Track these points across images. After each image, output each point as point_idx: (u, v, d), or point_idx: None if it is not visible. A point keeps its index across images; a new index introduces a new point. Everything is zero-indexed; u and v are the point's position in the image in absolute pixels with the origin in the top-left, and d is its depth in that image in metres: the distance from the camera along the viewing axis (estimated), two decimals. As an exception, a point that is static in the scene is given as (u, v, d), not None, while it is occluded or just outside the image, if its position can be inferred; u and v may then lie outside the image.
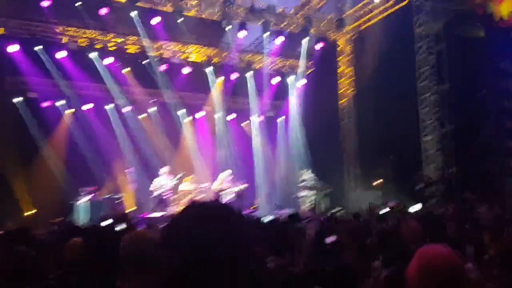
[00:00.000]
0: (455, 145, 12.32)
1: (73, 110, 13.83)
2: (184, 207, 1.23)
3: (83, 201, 11.46)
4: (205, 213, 1.19)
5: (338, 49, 16.17)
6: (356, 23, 15.38)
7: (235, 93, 15.91)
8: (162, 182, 12.31)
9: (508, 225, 4.95)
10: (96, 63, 13.43)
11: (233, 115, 16.31)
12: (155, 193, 12.20)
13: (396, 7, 13.80)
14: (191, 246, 1.11)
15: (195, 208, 1.21)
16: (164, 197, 12.21)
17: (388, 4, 13.98)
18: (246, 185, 13.28)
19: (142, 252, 2.11)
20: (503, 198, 11.29)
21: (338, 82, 16.14)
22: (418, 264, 1.83)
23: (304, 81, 15.81)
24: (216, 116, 15.80)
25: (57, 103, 13.70)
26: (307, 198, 13.33)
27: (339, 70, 16.17)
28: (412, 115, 12.98)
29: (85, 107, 13.91)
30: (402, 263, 2.02)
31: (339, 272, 2.70)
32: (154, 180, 12.36)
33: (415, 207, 11.03)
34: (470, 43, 12.87)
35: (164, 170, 12.55)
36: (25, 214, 12.27)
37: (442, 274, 1.75)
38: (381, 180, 13.49)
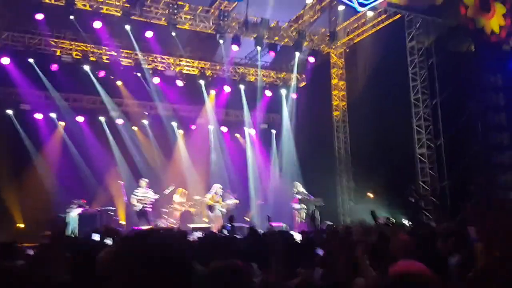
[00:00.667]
0: (447, 158, 12.39)
1: (65, 123, 13.81)
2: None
3: (74, 213, 11.36)
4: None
5: (331, 62, 16.30)
6: (349, 37, 15.54)
7: (228, 106, 15.98)
8: (141, 195, 12.00)
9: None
10: (89, 75, 13.45)
11: (226, 128, 16.35)
12: (136, 207, 11.92)
13: (388, 21, 13.96)
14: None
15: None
16: (146, 210, 11.92)
17: (380, 18, 14.14)
18: (237, 201, 13.26)
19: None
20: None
21: (332, 95, 16.23)
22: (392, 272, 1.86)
23: (298, 94, 15.91)
24: (209, 128, 15.83)
25: (50, 115, 13.69)
26: (300, 210, 13.31)
27: (332, 83, 16.27)
28: (405, 128, 13.06)
29: (78, 119, 13.90)
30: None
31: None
32: (133, 192, 12.06)
33: (407, 220, 11.09)
34: (461, 57, 13.03)
35: (143, 182, 12.24)
36: (17, 226, 12.17)
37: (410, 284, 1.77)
38: (373, 193, 13.52)
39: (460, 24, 13.03)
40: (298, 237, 6.45)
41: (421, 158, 12.78)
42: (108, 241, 4.66)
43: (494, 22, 13.61)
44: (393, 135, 12.88)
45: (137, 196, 11.93)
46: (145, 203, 11.94)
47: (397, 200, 12.36)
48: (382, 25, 14.22)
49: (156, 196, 12.14)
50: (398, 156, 12.91)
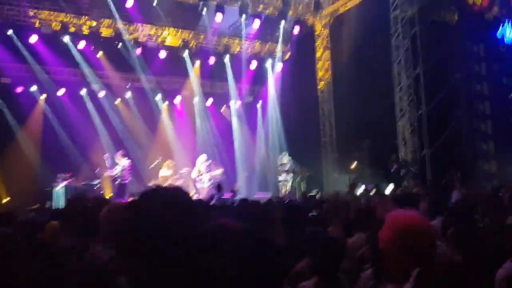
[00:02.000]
0: (428, 128, 12.57)
1: (46, 95, 13.58)
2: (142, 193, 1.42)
3: (60, 187, 11.32)
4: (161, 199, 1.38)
5: (316, 32, 16.19)
6: (334, 6, 15.38)
7: (213, 78, 15.84)
8: (119, 167, 11.64)
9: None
10: (69, 47, 13.16)
11: (211, 100, 16.26)
12: (116, 180, 11.58)
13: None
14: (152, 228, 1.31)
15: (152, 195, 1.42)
16: (124, 183, 11.58)
17: (365, -12, 14.01)
18: (221, 169, 13.30)
19: (116, 219, 2.24)
20: (474, 180, 11.66)
21: (316, 65, 16.20)
22: (391, 227, 1.91)
23: (282, 65, 15.83)
24: (194, 101, 15.72)
25: (31, 89, 13.43)
26: (286, 181, 13.46)
27: (317, 54, 16.21)
28: (388, 98, 13.15)
29: (59, 92, 13.67)
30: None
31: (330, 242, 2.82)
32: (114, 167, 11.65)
33: (389, 188, 11.35)
34: (444, 27, 13.07)
35: (119, 154, 11.86)
36: (2, 201, 12.09)
37: (414, 232, 1.84)
38: (356, 162, 13.72)
39: (444, -6, 13.03)
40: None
41: (403, 127, 12.94)
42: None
43: (478, -9, 13.64)
44: (377, 105, 12.97)
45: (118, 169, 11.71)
46: (121, 177, 11.60)
47: (380, 170, 12.59)
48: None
49: (127, 162, 11.65)
50: (381, 127, 13.05)
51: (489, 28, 13.94)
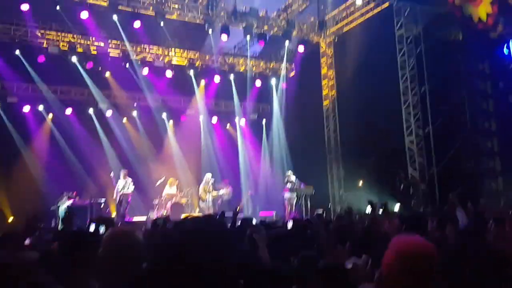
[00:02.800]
0: (435, 146, 12.52)
1: (53, 114, 13.70)
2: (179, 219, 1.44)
3: (64, 205, 11.29)
4: (194, 229, 1.39)
5: (320, 51, 16.30)
6: (338, 26, 15.52)
7: (218, 96, 15.94)
8: (121, 185, 11.72)
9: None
10: (77, 67, 13.31)
11: (216, 118, 16.33)
12: (116, 198, 11.64)
13: (377, 10, 13.97)
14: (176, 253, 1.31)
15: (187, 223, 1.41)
16: (124, 200, 11.65)
17: (369, 7, 14.14)
18: (229, 190, 13.29)
19: (123, 245, 2.12)
20: (481, 197, 11.54)
21: (321, 83, 16.27)
22: (394, 251, 1.89)
23: (286, 83, 15.92)
24: (199, 119, 15.79)
25: (38, 108, 13.56)
26: (291, 199, 13.37)
27: (321, 72, 16.30)
28: (394, 116, 13.15)
29: (66, 112, 13.78)
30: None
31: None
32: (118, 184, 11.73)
33: (396, 207, 11.24)
34: (449, 45, 13.12)
35: (121, 173, 11.95)
36: (9, 221, 12.07)
37: (417, 259, 1.82)
38: (363, 180, 13.64)
39: (448, 12, 13.10)
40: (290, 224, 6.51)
41: (410, 145, 12.89)
42: (102, 229, 4.65)
43: (482, 9, 13.70)
44: (382, 123, 12.97)
45: (117, 187, 11.71)
46: (123, 194, 11.63)
47: (387, 187, 12.49)
48: (370, 14, 14.22)
49: (131, 189, 11.76)
50: (387, 144, 13.02)
51: (494, 46, 13.97)
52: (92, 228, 5.57)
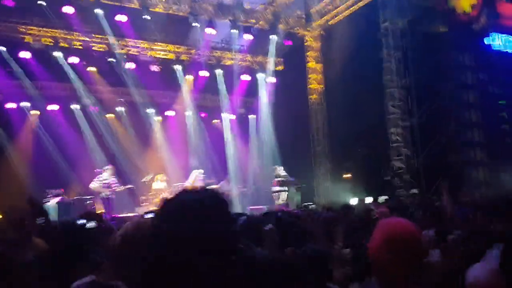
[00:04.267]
0: (420, 137, 12.67)
1: (38, 110, 13.52)
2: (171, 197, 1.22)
3: (52, 203, 11.17)
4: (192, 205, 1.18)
5: (306, 44, 16.32)
6: (324, 18, 15.54)
7: (205, 91, 15.85)
8: (105, 181, 11.24)
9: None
10: (61, 62, 13.13)
11: (204, 113, 16.26)
12: (102, 193, 11.17)
13: (363, 3, 14.04)
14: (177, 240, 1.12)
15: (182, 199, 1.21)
16: (109, 197, 11.21)
17: (354, 0, 14.20)
18: (218, 185, 13.25)
19: (136, 243, 2.04)
20: (465, 187, 11.73)
21: (308, 77, 16.30)
22: (381, 234, 1.89)
23: (274, 77, 15.91)
24: (187, 113, 15.70)
25: (22, 104, 13.36)
26: (279, 193, 13.41)
27: (308, 66, 16.32)
28: (380, 108, 13.26)
29: (50, 108, 13.61)
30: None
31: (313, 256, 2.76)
32: (97, 179, 11.26)
33: (383, 197, 11.37)
34: (434, 37, 13.25)
35: (107, 168, 11.52)
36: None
37: (404, 241, 1.82)
38: (350, 173, 13.76)
39: (432, 5, 13.24)
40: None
41: (395, 137, 13.01)
42: (91, 224, 4.62)
43: (465, 2, 13.89)
44: (368, 115, 13.07)
45: (100, 182, 11.24)
46: (107, 190, 11.18)
47: (374, 179, 12.61)
48: (356, 7, 14.29)
49: (119, 188, 11.38)
50: (373, 136, 13.13)
51: (477, 38, 14.16)
52: (82, 223, 5.53)
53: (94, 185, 11.13)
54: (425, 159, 12.37)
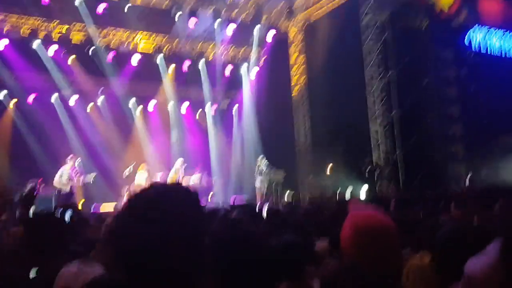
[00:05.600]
0: (400, 131, 12.81)
1: (15, 100, 13.27)
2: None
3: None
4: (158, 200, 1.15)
5: (289, 37, 16.33)
6: (306, 11, 15.56)
7: (187, 83, 15.74)
8: (65, 175, 11.05)
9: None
10: (39, 52, 12.89)
11: (186, 104, 16.16)
12: (66, 186, 10.99)
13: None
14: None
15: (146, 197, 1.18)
16: (70, 192, 11.08)
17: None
18: (199, 175, 13.23)
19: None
20: (445, 182, 11.94)
21: (291, 70, 16.33)
22: (350, 224, 1.89)
23: (257, 69, 15.88)
24: (168, 106, 15.60)
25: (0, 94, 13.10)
26: (262, 185, 13.45)
27: (291, 59, 16.35)
28: (361, 102, 13.36)
29: (29, 98, 13.37)
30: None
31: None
32: (58, 173, 11.08)
33: (363, 190, 11.53)
34: (414, 32, 13.37)
35: (69, 158, 11.33)
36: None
37: (373, 231, 1.81)
38: (331, 165, 13.87)
39: (413, 0, 13.34)
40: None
41: (376, 130, 13.15)
42: (68, 214, 4.60)
43: (444, -1, 14.03)
44: (350, 109, 13.17)
45: (62, 177, 11.03)
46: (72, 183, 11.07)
47: (354, 172, 12.74)
48: (339, 0, 14.32)
49: (80, 179, 11.19)
50: (355, 130, 13.24)
51: (457, 33, 14.32)
52: (60, 213, 5.49)
53: (55, 181, 10.93)
54: (404, 153, 12.52)
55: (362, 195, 11.74)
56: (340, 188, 12.41)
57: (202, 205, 1.23)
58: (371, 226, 1.86)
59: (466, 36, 14.60)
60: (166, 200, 1.14)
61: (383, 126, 12.95)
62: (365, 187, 11.72)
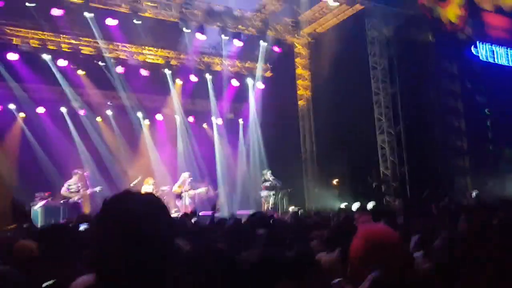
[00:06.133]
0: (406, 144, 12.84)
1: (25, 113, 13.42)
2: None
3: (38, 206, 11.10)
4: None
5: (295, 51, 16.48)
6: (312, 26, 15.72)
7: (194, 96, 15.89)
8: (73, 186, 11.36)
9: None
10: (49, 65, 13.07)
11: (193, 116, 16.29)
12: (71, 199, 11.26)
13: (350, 11, 14.23)
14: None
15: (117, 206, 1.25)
16: (77, 202, 11.31)
17: (342, 8, 14.38)
18: (205, 188, 13.29)
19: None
20: (451, 195, 11.91)
21: (296, 84, 16.45)
22: (360, 238, 1.95)
23: (263, 83, 16.02)
24: (176, 118, 15.72)
25: (9, 106, 13.26)
26: (268, 198, 13.48)
27: (296, 72, 16.48)
28: (367, 115, 13.43)
29: (38, 110, 13.52)
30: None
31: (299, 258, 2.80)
32: (66, 184, 11.36)
33: (370, 204, 11.49)
34: (420, 46, 13.49)
35: (75, 172, 11.61)
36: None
37: (383, 245, 1.87)
38: (337, 179, 13.89)
39: (419, 14, 13.47)
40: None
41: (382, 144, 13.18)
42: (83, 227, 4.65)
43: (451, 11, 14.15)
44: (356, 123, 13.23)
45: (70, 187, 11.33)
46: (75, 196, 11.30)
47: (360, 186, 12.75)
48: (344, 15, 14.47)
49: (84, 193, 11.46)
50: (360, 143, 13.28)
51: (462, 47, 14.42)
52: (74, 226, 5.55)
53: (62, 191, 11.21)
54: (410, 165, 12.54)
55: (369, 208, 11.71)
56: (345, 201, 12.40)
57: (169, 214, 1.29)
58: (380, 240, 1.91)
59: (471, 49, 14.68)
60: (137, 207, 1.22)
61: (389, 139, 12.99)
62: (372, 200, 11.69)
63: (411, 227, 5.29)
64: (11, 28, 12.85)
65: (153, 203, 1.26)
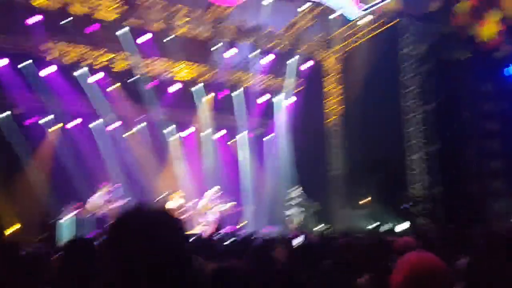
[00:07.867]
0: (440, 165, 12.50)
1: (58, 126, 13.70)
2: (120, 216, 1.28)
3: (67, 218, 11.24)
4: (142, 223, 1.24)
5: (325, 68, 16.41)
6: (343, 43, 15.64)
7: (223, 111, 15.95)
8: (99, 201, 11.56)
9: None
10: (83, 79, 13.35)
11: (222, 133, 16.33)
12: (100, 211, 11.44)
13: (383, 28, 14.09)
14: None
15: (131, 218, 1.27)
16: (105, 215, 11.46)
17: (374, 25, 14.27)
18: (233, 203, 13.23)
19: None
20: (486, 219, 11.48)
21: (325, 101, 16.33)
22: (404, 269, 1.84)
23: (292, 99, 15.96)
24: (205, 133, 15.80)
25: (43, 120, 13.56)
26: (295, 216, 13.32)
27: (326, 90, 16.37)
28: (398, 134, 13.17)
29: (71, 124, 13.79)
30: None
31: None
32: (92, 199, 11.60)
33: (402, 226, 11.18)
34: (454, 64, 13.19)
35: (103, 186, 11.86)
36: (7, 232, 11.96)
37: (428, 278, 1.77)
38: (369, 198, 13.61)
39: (453, 31, 13.22)
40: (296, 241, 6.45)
41: (414, 164, 12.87)
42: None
43: (487, 30, 13.81)
44: (387, 141, 12.98)
45: (99, 200, 11.55)
46: (107, 209, 11.47)
47: (391, 207, 12.44)
48: (376, 32, 14.35)
49: (112, 206, 11.59)
50: (391, 162, 13.01)
51: (498, 66, 14.05)
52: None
53: (91, 203, 11.45)
54: (444, 188, 12.18)
55: (399, 230, 11.40)
56: (375, 221, 12.12)
57: (180, 233, 1.29)
58: (426, 271, 1.80)
59: (507, 69, 14.28)
60: (151, 219, 1.24)
61: (421, 160, 12.67)
62: (405, 223, 11.39)
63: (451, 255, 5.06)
64: (48, 43, 13.19)
65: (160, 220, 1.25)
